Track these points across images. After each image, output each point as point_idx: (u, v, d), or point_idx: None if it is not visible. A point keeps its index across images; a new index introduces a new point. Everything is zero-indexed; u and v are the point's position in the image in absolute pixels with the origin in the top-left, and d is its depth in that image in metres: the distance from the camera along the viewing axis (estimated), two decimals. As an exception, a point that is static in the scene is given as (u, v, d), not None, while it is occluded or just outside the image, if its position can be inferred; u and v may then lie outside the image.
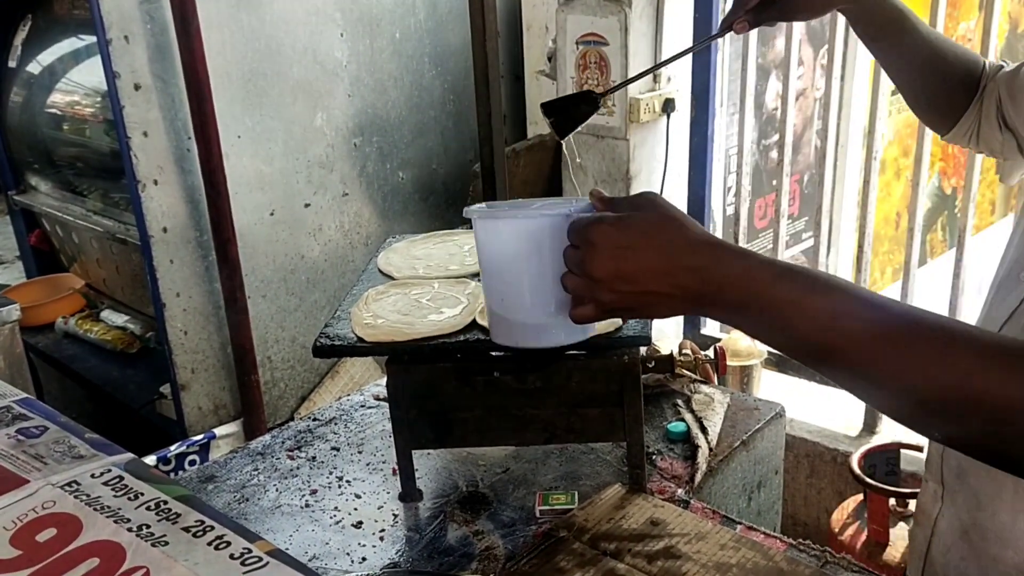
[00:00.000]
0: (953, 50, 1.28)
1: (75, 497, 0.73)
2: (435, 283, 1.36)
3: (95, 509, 0.71)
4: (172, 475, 2.05)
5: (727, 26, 1.24)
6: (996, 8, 2.26)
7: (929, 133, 2.43)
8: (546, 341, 1.00)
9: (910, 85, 1.33)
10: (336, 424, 1.55)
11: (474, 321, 1.23)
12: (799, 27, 2.67)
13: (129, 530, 0.68)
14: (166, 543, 0.67)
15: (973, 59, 1.27)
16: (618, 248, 0.83)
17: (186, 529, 0.69)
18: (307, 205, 2.66)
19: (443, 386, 1.24)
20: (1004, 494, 1.01)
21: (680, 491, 1.31)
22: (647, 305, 0.85)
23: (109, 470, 0.77)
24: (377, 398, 1.62)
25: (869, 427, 2.63)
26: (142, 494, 0.73)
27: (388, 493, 1.35)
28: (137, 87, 2.26)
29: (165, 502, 0.72)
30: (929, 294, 2.81)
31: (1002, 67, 1.26)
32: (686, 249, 0.81)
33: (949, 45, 1.29)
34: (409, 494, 1.33)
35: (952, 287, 2.44)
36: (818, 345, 0.78)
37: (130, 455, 0.80)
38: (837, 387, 0.93)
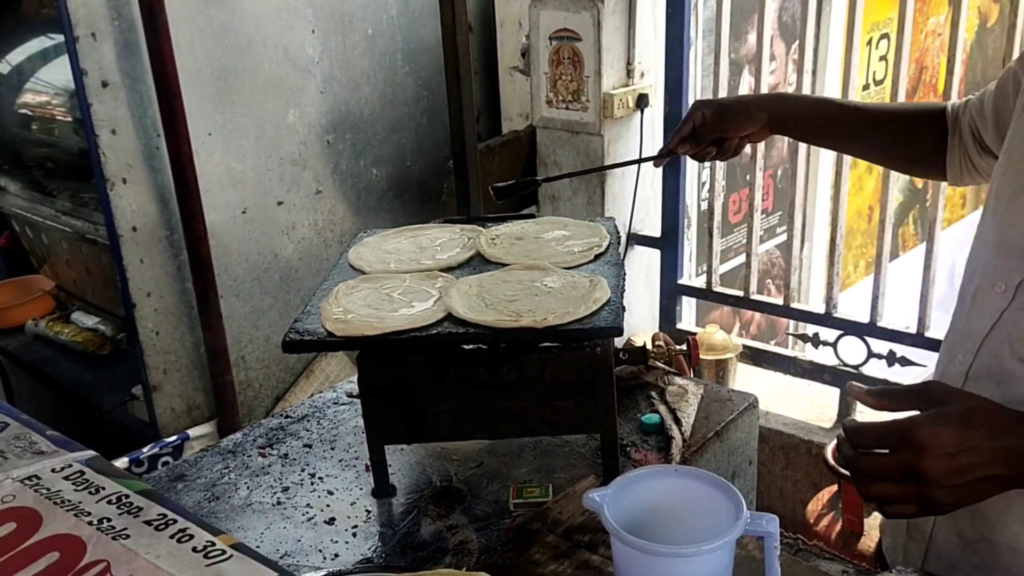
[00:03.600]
0: (903, 108, 1.38)
1: (35, 491, 0.72)
2: (406, 277, 1.35)
3: (55, 503, 0.70)
4: (144, 476, 2.03)
5: (667, 152, 1.44)
6: (963, 3, 2.29)
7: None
8: None
9: (883, 153, 1.40)
10: (308, 421, 1.54)
11: (447, 314, 1.22)
12: (771, 22, 2.68)
13: (90, 524, 0.67)
14: (127, 536, 0.66)
15: (932, 107, 1.32)
16: (953, 447, 0.83)
17: (148, 522, 0.67)
18: (280, 203, 2.64)
19: (415, 380, 1.23)
20: (1014, 509, 1.00)
21: (654, 482, 1.31)
22: (977, 492, 0.86)
23: (70, 465, 0.75)
24: (350, 395, 1.61)
25: (843, 418, 2.65)
26: (103, 488, 0.71)
27: (361, 489, 1.34)
28: (105, 84, 2.23)
29: (127, 496, 0.70)
30: (901, 287, 2.84)
31: (968, 101, 1.30)
32: (1014, 427, 0.85)
33: (895, 106, 1.42)
34: (382, 490, 1.32)
35: (923, 280, 2.46)
36: None
37: (91, 452, 0.79)
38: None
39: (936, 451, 0.83)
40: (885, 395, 0.91)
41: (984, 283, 1.05)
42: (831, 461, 2.21)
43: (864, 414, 2.66)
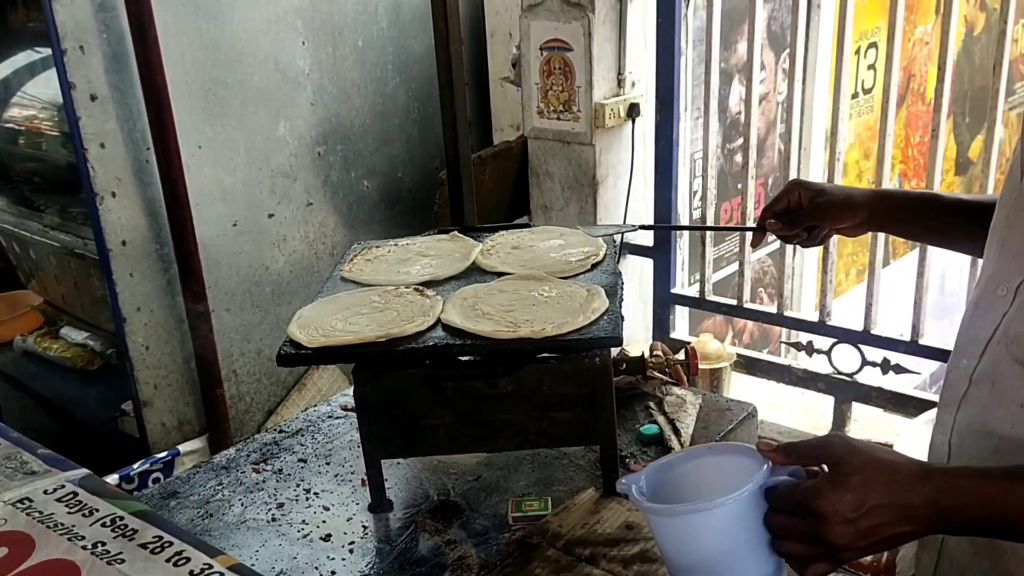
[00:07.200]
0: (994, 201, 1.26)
1: (27, 514, 0.70)
2: (401, 288, 1.34)
3: (48, 527, 0.68)
4: (135, 493, 2.00)
5: (760, 227, 1.33)
6: (954, 11, 2.29)
7: (891, 135, 2.45)
8: None
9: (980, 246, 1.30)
10: (303, 435, 1.52)
11: (439, 321, 1.21)
12: (760, 31, 2.69)
13: (84, 548, 0.65)
14: (123, 560, 0.64)
15: None
16: (853, 512, 0.84)
17: (143, 546, 0.66)
18: (271, 216, 2.62)
19: (412, 393, 1.22)
20: None
21: (654, 494, 1.30)
22: (888, 545, 0.87)
23: (63, 486, 0.74)
24: (345, 408, 1.59)
25: (838, 427, 2.65)
26: (97, 510, 0.70)
27: (357, 504, 1.32)
28: (93, 98, 2.21)
29: (121, 518, 0.69)
30: (893, 294, 2.84)
31: None
32: (912, 485, 0.85)
33: (989, 200, 1.27)
34: (379, 505, 1.30)
35: (916, 287, 2.46)
36: None
37: (85, 470, 0.77)
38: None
39: (837, 519, 0.84)
40: (791, 451, 0.91)
41: (988, 287, 1.05)
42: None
43: (859, 421, 2.66)
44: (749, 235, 2.73)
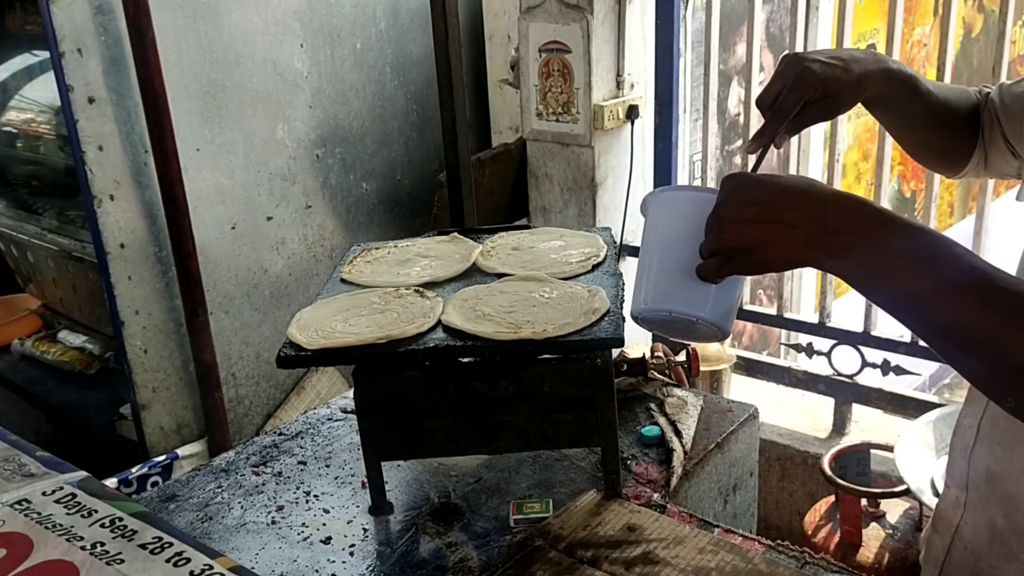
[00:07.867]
0: (955, 93, 1.20)
1: (25, 515, 0.69)
2: (401, 289, 1.33)
3: (46, 527, 0.67)
4: (134, 497, 1.99)
5: (769, 140, 1.10)
6: (952, 13, 2.29)
7: (890, 137, 2.45)
8: (682, 306, 0.97)
9: (925, 142, 1.24)
10: (303, 438, 1.51)
11: (439, 322, 1.21)
12: (759, 33, 2.69)
13: (83, 548, 0.65)
14: (122, 561, 0.63)
15: (968, 94, 1.20)
16: (745, 189, 0.87)
17: (143, 546, 0.65)
18: (269, 218, 2.62)
19: (412, 394, 1.21)
20: None
21: (656, 496, 1.29)
22: (764, 243, 0.85)
23: (61, 487, 0.73)
24: (344, 411, 1.59)
25: (839, 428, 2.64)
26: (96, 511, 0.69)
27: (357, 507, 1.31)
28: (91, 100, 2.21)
29: (120, 519, 0.68)
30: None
31: (988, 92, 1.19)
32: (808, 193, 0.85)
33: (952, 90, 1.21)
34: (379, 507, 1.29)
35: (916, 287, 2.46)
36: (924, 301, 0.81)
37: (83, 473, 0.77)
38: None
39: (729, 191, 0.87)
40: None
41: None
42: (828, 471, 2.20)
43: (859, 423, 2.66)
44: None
